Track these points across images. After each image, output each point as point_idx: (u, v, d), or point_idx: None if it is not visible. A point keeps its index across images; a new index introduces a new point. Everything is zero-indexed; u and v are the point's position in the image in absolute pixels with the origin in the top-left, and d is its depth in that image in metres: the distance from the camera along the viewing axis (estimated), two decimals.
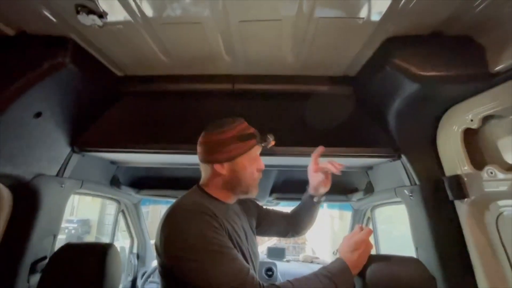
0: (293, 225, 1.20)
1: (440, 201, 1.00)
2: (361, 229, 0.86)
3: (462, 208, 0.93)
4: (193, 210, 0.73)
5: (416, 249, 1.10)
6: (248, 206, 1.08)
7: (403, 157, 1.07)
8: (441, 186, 0.99)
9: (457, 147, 0.91)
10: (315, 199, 1.17)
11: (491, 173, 0.80)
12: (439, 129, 0.98)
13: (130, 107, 1.21)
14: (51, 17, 0.79)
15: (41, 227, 1.04)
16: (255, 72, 1.11)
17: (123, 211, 1.95)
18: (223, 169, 0.86)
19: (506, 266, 0.85)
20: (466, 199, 0.91)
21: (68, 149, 1.13)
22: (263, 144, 0.94)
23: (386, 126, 1.08)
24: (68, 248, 0.97)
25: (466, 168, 0.89)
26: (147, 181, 1.72)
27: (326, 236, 6.78)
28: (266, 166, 1.49)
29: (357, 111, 1.15)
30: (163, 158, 1.36)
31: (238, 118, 0.93)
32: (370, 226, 1.89)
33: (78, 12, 0.69)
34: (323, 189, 1.13)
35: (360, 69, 1.04)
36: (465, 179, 0.90)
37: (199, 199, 0.82)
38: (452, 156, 0.94)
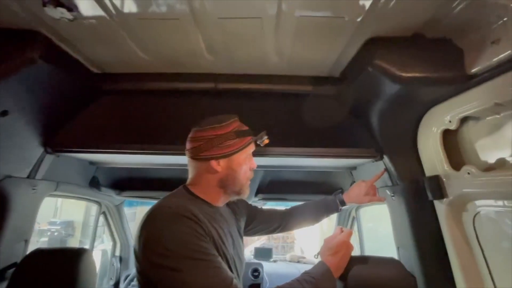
0: (289, 222, 1.18)
1: (420, 201, 1.01)
2: (341, 231, 0.85)
3: (441, 208, 0.95)
4: (175, 214, 0.69)
5: (398, 248, 1.12)
6: (237, 207, 1.05)
7: (385, 158, 1.08)
8: (421, 186, 1.00)
9: (436, 147, 0.92)
10: (341, 207, 1.19)
11: (469, 173, 0.81)
12: (419, 130, 0.99)
13: (109, 106, 1.16)
14: (18, 10, 0.74)
15: (11, 231, 0.98)
16: (238, 71, 1.09)
17: (104, 213, 1.88)
18: (218, 166, 0.83)
19: (482, 264, 0.87)
20: (444, 199, 0.92)
21: (40, 150, 1.07)
22: (258, 142, 0.92)
23: (369, 127, 1.09)
24: (39, 253, 0.92)
25: (445, 168, 0.90)
26: (129, 182, 1.67)
27: (315, 235, 6.84)
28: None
29: (341, 111, 1.15)
30: (145, 159, 1.32)
31: (232, 115, 0.90)
32: (355, 226, 1.91)
33: (44, 5, 0.64)
34: (359, 202, 1.15)
35: (344, 70, 1.04)
36: (444, 179, 0.91)
37: (183, 201, 0.78)
38: (432, 156, 0.95)
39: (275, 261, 2.35)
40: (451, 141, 0.91)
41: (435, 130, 0.92)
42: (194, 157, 0.84)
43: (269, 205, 1.97)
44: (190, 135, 0.87)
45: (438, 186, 0.92)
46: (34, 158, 1.06)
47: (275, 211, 1.19)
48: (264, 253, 2.36)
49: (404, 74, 0.77)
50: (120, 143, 1.11)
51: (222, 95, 1.12)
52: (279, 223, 1.16)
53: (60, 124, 1.10)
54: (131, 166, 1.46)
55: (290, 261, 2.44)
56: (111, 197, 1.74)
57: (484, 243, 0.86)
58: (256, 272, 2.00)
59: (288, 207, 1.22)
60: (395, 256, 1.16)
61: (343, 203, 1.19)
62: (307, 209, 1.21)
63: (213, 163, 0.82)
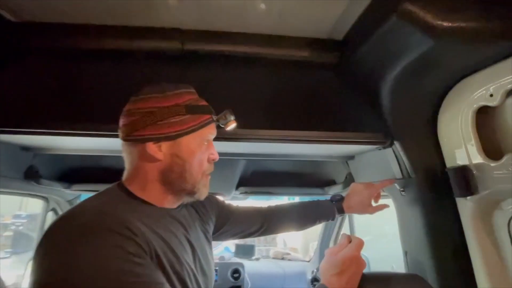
0: (272, 225, 0.92)
1: (438, 197, 0.82)
2: (349, 240, 0.63)
3: (466, 206, 0.76)
4: (94, 226, 0.44)
5: (405, 253, 0.93)
6: (203, 205, 0.79)
7: (396, 144, 0.87)
8: (440, 180, 0.80)
9: (466, 130, 0.72)
10: (337, 216, 0.95)
11: None
12: (442, 108, 0.78)
13: (35, 70, 0.85)
14: None
15: None
16: (213, 27, 0.82)
17: (54, 210, 1.57)
18: (159, 151, 0.58)
19: None
20: (472, 196, 0.73)
21: None
22: (220, 123, 0.68)
23: (377, 106, 0.86)
24: None
25: (477, 157, 0.70)
26: (81, 173, 1.37)
27: None
28: (232, 154, 1.23)
29: (342, 86, 0.92)
30: (97, 143, 1.03)
31: (186, 85, 0.65)
32: (347, 222, 1.74)
33: None
34: (361, 213, 0.95)
35: (349, 30, 0.80)
36: (475, 171, 0.71)
37: (112, 205, 0.52)
38: (458, 142, 0.75)
39: (257, 259, 2.16)
40: (486, 122, 0.71)
41: (465, 107, 0.71)
42: (126, 137, 0.59)
43: (251, 200, 1.75)
44: (124, 108, 0.61)
45: (465, 180, 0.73)
46: None
47: (255, 210, 0.93)
48: (245, 251, 2.16)
49: (443, 24, 0.55)
50: (54, 121, 0.81)
51: (190, 59, 0.84)
52: (259, 225, 0.91)
53: None
54: (80, 153, 1.16)
55: (274, 258, 2.26)
56: (60, 191, 1.42)
57: None
58: (236, 273, 1.79)
59: (271, 206, 0.97)
60: (401, 262, 0.98)
61: (341, 210, 0.95)
62: (295, 212, 0.96)
63: (151, 146, 0.57)
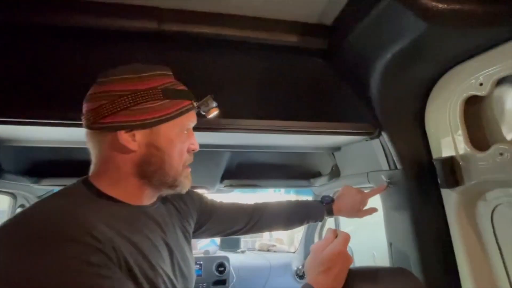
0: (259, 223, 0.87)
1: (424, 188, 0.81)
2: (336, 235, 0.61)
3: (451, 197, 0.76)
4: (49, 235, 0.38)
5: (390, 244, 0.93)
6: (183, 201, 0.73)
7: (384, 135, 0.85)
8: (426, 171, 0.80)
9: (454, 121, 0.71)
10: (326, 215, 0.92)
11: (501, 154, 0.60)
12: (430, 98, 0.77)
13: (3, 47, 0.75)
14: None
15: None
16: (193, 7, 0.75)
17: (23, 207, 1.45)
18: (132, 141, 0.51)
19: (498, 266, 0.70)
20: (457, 187, 0.72)
21: None
22: (201, 110, 0.62)
23: (366, 95, 0.84)
24: None
25: (464, 148, 0.69)
26: (50, 167, 1.26)
27: None
28: (215, 146, 1.18)
29: (331, 73, 0.88)
30: (64, 133, 0.93)
31: (162, 66, 0.58)
32: None
33: None
34: (350, 217, 0.94)
35: (339, 15, 0.75)
36: (461, 162, 0.71)
37: (73, 206, 0.45)
38: (445, 133, 0.74)
39: (243, 252, 2.14)
40: (473, 112, 0.70)
41: (455, 96, 0.70)
42: (92, 125, 0.51)
43: (237, 192, 1.71)
44: (89, 91, 0.54)
45: (451, 171, 0.72)
46: None
47: (240, 208, 0.88)
48: (230, 244, 2.13)
49: (438, 5, 0.52)
50: (16, 108, 0.72)
51: (168, 41, 0.77)
52: (244, 224, 0.86)
53: None
54: (49, 145, 1.06)
55: (259, 250, 2.25)
56: (29, 186, 1.31)
57: (504, 241, 0.69)
58: (221, 267, 1.77)
59: (257, 203, 0.92)
60: (382, 250, 0.99)
61: (330, 213, 0.92)
62: (282, 211, 0.91)
63: (123, 135, 0.50)
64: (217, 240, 2.13)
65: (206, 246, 2.24)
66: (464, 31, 0.57)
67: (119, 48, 0.78)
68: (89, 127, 0.53)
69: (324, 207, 0.91)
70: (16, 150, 1.17)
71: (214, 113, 0.64)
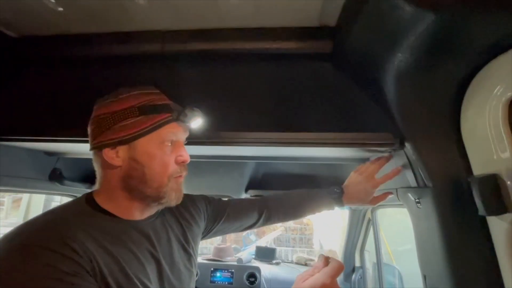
0: (272, 216, 0.91)
1: (462, 213, 0.65)
2: (326, 263, 0.53)
3: (501, 226, 0.58)
4: (29, 245, 0.44)
5: (424, 277, 0.77)
6: (187, 210, 0.76)
7: (408, 146, 0.72)
8: (465, 191, 0.64)
9: (495, 128, 0.55)
10: (336, 206, 0.91)
11: None
12: (465, 101, 0.62)
13: (39, 80, 0.92)
14: None
15: None
16: (192, 26, 0.78)
17: None
18: (116, 157, 0.57)
19: None
20: (507, 214, 0.55)
21: None
22: (182, 121, 0.62)
23: (382, 100, 0.73)
24: None
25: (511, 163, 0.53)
26: None
27: (336, 227, 6.46)
28: (239, 157, 1.19)
29: (341, 79, 0.80)
30: None
31: (148, 86, 0.63)
32: (371, 230, 1.56)
33: None
34: (359, 204, 0.92)
35: (341, 12, 0.68)
36: (508, 182, 0.54)
37: (63, 219, 0.52)
38: (484, 143, 0.58)
39: (277, 263, 2.07)
40: None
41: (494, 97, 0.54)
42: (90, 147, 0.60)
43: None
44: None
45: (495, 193, 0.56)
46: None
47: (251, 203, 0.91)
48: (266, 254, 2.10)
49: None
50: (65, 128, 0.86)
51: (172, 60, 0.82)
52: (256, 218, 0.88)
53: None
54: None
55: (296, 263, 2.15)
56: (84, 190, 1.55)
57: None
58: (252, 277, 1.75)
59: (266, 196, 0.98)
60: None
61: (340, 203, 0.90)
62: (292, 204, 0.93)
63: (107, 152, 0.56)
64: (253, 249, 2.12)
65: (246, 254, 2.25)
66: (486, 19, 0.44)
67: (133, 71, 0.86)
68: (90, 148, 0.60)
69: (333, 199, 0.90)
70: (74, 161, 1.39)
71: (197, 123, 0.64)
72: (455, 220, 0.65)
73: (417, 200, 0.74)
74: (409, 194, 0.77)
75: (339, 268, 0.51)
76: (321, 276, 0.50)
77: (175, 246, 0.68)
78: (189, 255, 0.71)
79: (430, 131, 0.69)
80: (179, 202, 0.64)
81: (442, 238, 0.67)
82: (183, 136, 0.65)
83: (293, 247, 6.10)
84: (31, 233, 0.47)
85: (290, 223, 5.92)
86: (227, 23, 0.74)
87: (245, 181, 1.43)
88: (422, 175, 0.70)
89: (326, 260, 0.54)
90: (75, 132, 0.83)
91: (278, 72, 0.85)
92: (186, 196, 0.82)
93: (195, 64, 0.84)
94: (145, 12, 0.73)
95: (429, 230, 0.71)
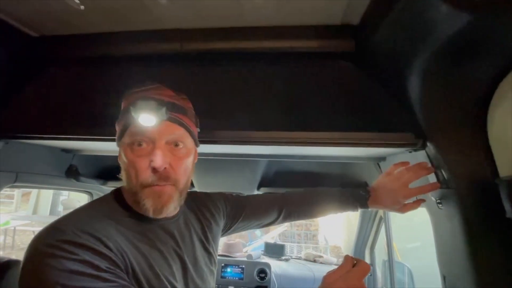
0: (292, 213, 0.88)
1: (488, 216, 0.64)
2: (352, 264, 0.53)
3: None
4: (67, 242, 0.45)
5: (444, 278, 0.77)
6: (206, 208, 0.76)
7: (430, 147, 0.71)
8: (491, 193, 0.63)
9: None
10: (360, 208, 0.87)
11: None
12: (494, 101, 0.61)
13: (58, 79, 0.92)
14: None
15: None
16: (211, 24, 0.77)
17: None
18: (119, 156, 0.60)
19: None
20: None
21: None
22: (129, 123, 0.56)
23: (405, 100, 0.72)
24: None
25: None
26: (115, 172, 1.48)
27: (340, 223, 6.47)
28: (251, 156, 1.19)
29: (363, 78, 0.79)
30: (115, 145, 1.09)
31: (154, 84, 0.61)
32: (383, 228, 1.55)
33: None
34: (384, 209, 0.91)
35: (366, 10, 0.67)
36: None
37: (96, 217, 0.52)
38: None
39: (287, 260, 2.09)
40: None
41: None
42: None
43: None
44: None
45: None
46: None
47: (270, 200, 0.88)
48: (275, 250, 2.11)
49: None
50: (83, 127, 0.87)
51: (190, 59, 0.81)
52: (276, 215, 0.86)
53: (1, 105, 0.90)
54: (112, 154, 1.25)
55: (305, 260, 2.17)
56: (99, 187, 1.57)
57: None
58: (262, 273, 1.77)
59: (288, 193, 0.93)
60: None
61: (364, 206, 0.85)
62: (314, 200, 0.89)
63: (119, 149, 0.60)
64: (259, 244, 2.14)
65: (252, 249, 2.28)
66: None
67: (149, 69, 0.86)
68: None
69: (357, 200, 0.85)
70: (89, 158, 1.41)
71: (142, 119, 0.53)
72: (479, 222, 0.65)
73: (439, 200, 0.74)
74: (430, 194, 0.76)
75: (366, 270, 0.51)
76: (349, 277, 0.50)
77: (197, 245, 0.68)
78: (209, 254, 0.72)
79: (454, 131, 0.68)
80: (160, 214, 0.56)
81: (465, 240, 0.67)
82: (155, 136, 0.54)
83: (298, 242, 6.15)
84: (67, 230, 0.47)
85: None
86: (248, 22, 0.74)
87: (257, 179, 1.43)
88: (445, 176, 0.70)
89: (352, 261, 0.54)
90: (93, 130, 0.84)
91: (296, 71, 0.85)
92: (205, 195, 0.83)
93: (213, 63, 0.84)
94: (165, 11, 0.73)
95: (451, 231, 0.71)
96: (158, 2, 0.69)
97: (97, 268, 0.44)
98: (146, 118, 0.53)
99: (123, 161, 0.57)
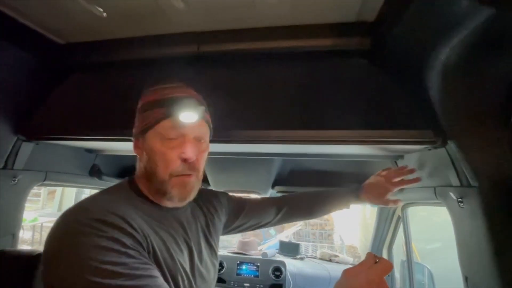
0: (289, 214, 0.94)
1: (511, 214, 0.62)
2: (375, 260, 0.53)
3: None
4: (95, 221, 0.47)
5: (466, 279, 0.75)
6: (210, 203, 0.79)
7: (450, 144, 0.70)
8: None
9: None
10: (352, 202, 0.96)
11: None
12: None
13: (83, 84, 0.98)
14: None
15: None
16: (229, 26, 0.79)
17: None
18: (137, 147, 0.63)
19: None
20: None
21: (13, 138, 0.95)
22: (171, 117, 0.59)
23: (423, 97, 0.70)
24: None
25: None
26: (132, 170, 1.54)
27: (356, 223, 6.35)
28: (266, 154, 1.21)
29: (379, 75, 0.78)
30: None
31: (175, 81, 0.65)
32: (401, 228, 1.52)
33: None
34: (373, 202, 0.94)
35: (382, 7, 0.66)
36: None
37: (114, 200, 0.55)
38: None
39: (302, 258, 2.09)
40: None
41: None
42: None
43: None
44: None
45: None
46: (7, 147, 0.94)
47: (268, 201, 0.95)
48: (290, 249, 2.11)
49: None
50: (105, 128, 0.92)
51: (207, 60, 0.84)
52: (272, 216, 0.92)
53: (32, 108, 0.96)
54: (127, 154, 1.30)
55: (320, 259, 2.15)
56: None
57: None
58: (277, 271, 1.78)
59: (284, 195, 1.02)
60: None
61: (356, 201, 0.96)
62: (309, 202, 0.96)
63: (135, 142, 0.63)
64: (273, 243, 2.15)
65: (267, 248, 2.29)
66: None
67: (170, 72, 0.89)
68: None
69: (350, 192, 0.95)
70: (111, 158, 1.48)
71: (184, 118, 0.58)
72: (503, 221, 0.63)
73: (460, 199, 0.72)
74: (451, 193, 0.74)
75: (388, 268, 0.51)
76: (371, 273, 0.50)
77: (202, 236, 0.71)
78: (211, 247, 0.74)
79: (476, 128, 0.66)
80: (183, 201, 0.62)
81: (488, 239, 0.65)
82: (186, 132, 0.59)
83: (313, 242, 6.09)
84: (95, 210, 0.50)
85: None
86: (263, 22, 0.75)
87: (272, 178, 1.44)
88: (467, 174, 0.68)
89: (374, 258, 0.54)
90: (113, 131, 0.89)
91: (311, 69, 0.85)
92: (210, 191, 0.87)
93: (230, 64, 0.86)
94: (182, 15, 0.75)
95: (473, 230, 0.69)
96: (175, 7, 0.71)
97: (124, 245, 0.46)
98: (189, 115, 0.58)
99: (149, 152, 0.59)
